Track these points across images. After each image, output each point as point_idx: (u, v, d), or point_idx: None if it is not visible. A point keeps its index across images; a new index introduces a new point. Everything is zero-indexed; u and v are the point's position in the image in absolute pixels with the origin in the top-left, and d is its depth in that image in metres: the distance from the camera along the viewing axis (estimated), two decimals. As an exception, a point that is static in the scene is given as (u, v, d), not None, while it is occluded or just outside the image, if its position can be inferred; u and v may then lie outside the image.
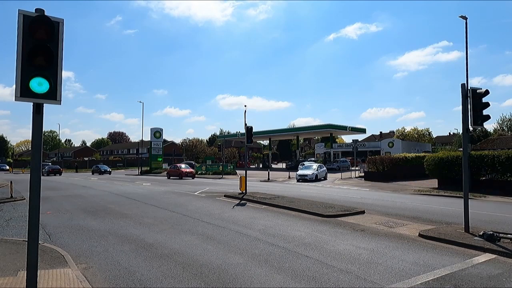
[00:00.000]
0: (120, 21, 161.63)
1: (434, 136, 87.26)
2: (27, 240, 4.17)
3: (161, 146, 54.56)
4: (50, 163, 63.55)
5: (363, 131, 58.36)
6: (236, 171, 43.11)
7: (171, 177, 36.32)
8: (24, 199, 16.15)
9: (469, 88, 8.88)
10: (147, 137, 56.37)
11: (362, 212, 12.12)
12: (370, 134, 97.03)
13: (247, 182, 18.25)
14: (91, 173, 51.80)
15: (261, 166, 62.37)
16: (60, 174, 47.10)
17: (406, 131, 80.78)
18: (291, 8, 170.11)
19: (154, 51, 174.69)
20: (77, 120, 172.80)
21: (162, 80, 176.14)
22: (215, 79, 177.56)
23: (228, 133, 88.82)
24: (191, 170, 37.16)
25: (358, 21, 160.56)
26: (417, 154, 33.25)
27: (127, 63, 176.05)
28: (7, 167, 62.13)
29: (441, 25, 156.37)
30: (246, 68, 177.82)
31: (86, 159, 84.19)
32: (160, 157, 54.01)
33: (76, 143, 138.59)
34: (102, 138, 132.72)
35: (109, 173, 50.35)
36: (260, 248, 7.46)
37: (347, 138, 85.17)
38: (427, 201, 15.68)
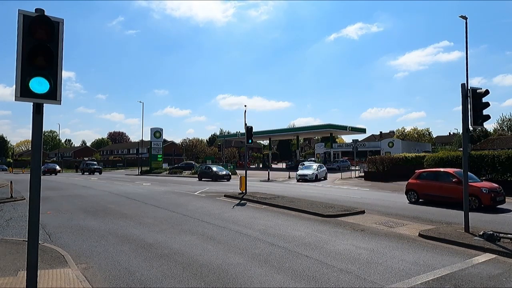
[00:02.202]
0: (122, 21, 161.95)
1: (434, 136, 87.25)
2: (27, 240, 4.17)
3: (161, 146, 54.59)
4: (96, 163, 53.63)
5: (363, 131, 58.40)
6: (236, 171, 43.08)
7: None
8: (24, 199, 16.14)
9: (469, 88, 8.89)
10: (147, 137, 56.41)
11: (362, 212, 12.13)
12: (370, 134, 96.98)
13: (247, 182, 18.25)
14: (197, 178, 33.73)
15: (261, 166, 62.41)
16: (56, 174, 46.42)
17: (406, 131, 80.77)
18: (292, 8, 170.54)
19: (155, 51, 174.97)
20: (77, 120, 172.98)
21: (163, 80, 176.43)
22: (215, 79, 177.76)
23: (228, 133, 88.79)
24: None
25: (359, 21, 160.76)
26: (417, 154, 33.24)
27: (128, 63, 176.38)
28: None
29: (442, 25, 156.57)
30: (246, 68, 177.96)
31: (86, 159, 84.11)
32: (160, 157, 54.03)
33: (76, 143, 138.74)
34: (102, 138, 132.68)
35: (228, 178, 31.81)
36: (260, 248, 7.46)
37: (347, 138, 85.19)
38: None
